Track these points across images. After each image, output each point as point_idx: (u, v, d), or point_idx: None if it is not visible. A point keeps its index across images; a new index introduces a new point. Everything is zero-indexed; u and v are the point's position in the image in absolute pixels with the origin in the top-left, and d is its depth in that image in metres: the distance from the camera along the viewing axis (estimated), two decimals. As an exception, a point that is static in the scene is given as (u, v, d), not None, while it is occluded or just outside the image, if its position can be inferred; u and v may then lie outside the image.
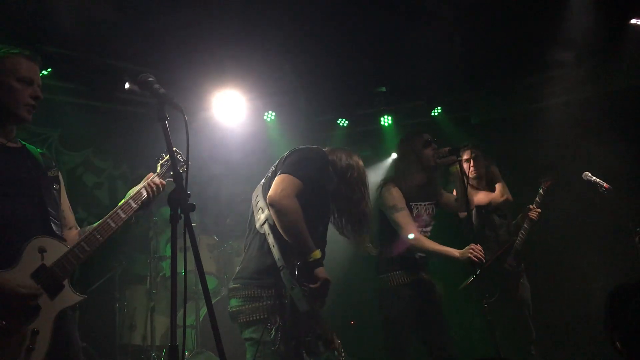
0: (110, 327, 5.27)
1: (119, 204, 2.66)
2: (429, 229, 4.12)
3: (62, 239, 2.56)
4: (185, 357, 4.76)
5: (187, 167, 2.03)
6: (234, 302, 2.83)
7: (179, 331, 2.04)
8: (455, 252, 3.83)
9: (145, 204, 2.70)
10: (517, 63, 6.29)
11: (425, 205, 4.14)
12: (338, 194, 3.03)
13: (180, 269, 2.23)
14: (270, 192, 2.72)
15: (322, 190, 2.90)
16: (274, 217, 2.71)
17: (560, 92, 6.45)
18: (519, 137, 6.27)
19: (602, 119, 5.73)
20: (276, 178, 2.76)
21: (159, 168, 2.89)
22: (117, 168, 6.55)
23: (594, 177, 4.59)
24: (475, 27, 5.72)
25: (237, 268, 2.95)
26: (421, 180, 4.12)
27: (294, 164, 2.79)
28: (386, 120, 7.44)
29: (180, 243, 2.06)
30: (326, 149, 3.13)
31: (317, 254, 2.72)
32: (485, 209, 4.75)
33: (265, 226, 2.77)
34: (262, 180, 3.04)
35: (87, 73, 5.85)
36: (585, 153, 5.56)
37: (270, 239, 2.74)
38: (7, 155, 2.51)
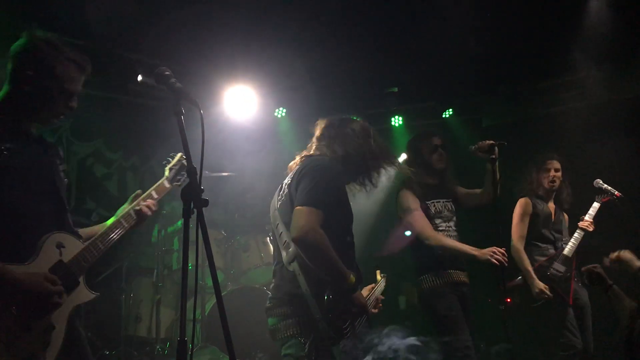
0: (116, 318, 5.28)
1: (132, 205, 2.70)
2: (452, 224, 4.13)
3: (78, 235, 2.56)
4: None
5: (201, 163, 2.00)
6: (271, 321, 2.82)
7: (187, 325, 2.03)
8: (474, 250, 3.82)
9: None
10: (531, 67, 6.26)
11: (443, 202, 4.15)
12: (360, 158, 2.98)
13: (189, 263, 2.23)
14: (292, 231, 2.65)
15: (342, 204, 2.85)
16: (302, 254, 2.66)
17: (574, 97, 6.41)
18: (531, 141, 6.23)
19: (616, 125, 5.68)
20: (295, 211, 2.68)
21: (167, 172, 2.92)
22: (127, 159, 6.56)
23: (605, 185, 4.56)
24: (489, 30, 5.69)
25: (271, 286, 2.92)
26: (433, 180, 4.20)
27: (309, 192, 2.69)
28: (397, 121, 7.43)
29: (190, 237, 2.06)
30: (324, 121, 3.11)
31: (352, 279, 2.71)
32: None
33: (295, 265, 2.70)
34: (277, 197, 2.95)
35: (100, 64, 5.84)
36: (598, 159, 5.51)
37: (302, 280, 2.66)
38: (29, 147, 2.47)
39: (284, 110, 7.11)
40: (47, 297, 2.30)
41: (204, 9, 5.31)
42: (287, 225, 2.76)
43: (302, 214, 2.64)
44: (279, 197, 2.94)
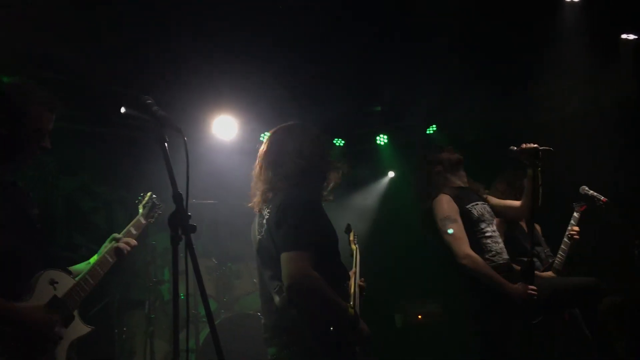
0: (110, 353, 5.21)
1: (112, 244, 2.84)
2: (494, 227, 3.81)
3: (68, 271, 2.67)
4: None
5: (187, 189, 2.01)
6: (271, 351, 2.75)
7: (181, 355, 2.02)
8: (511, 287, 3.46)
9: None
10: (510, 82, 6.35)
11: (480, 204, 3.82)
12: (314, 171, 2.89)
13: (180, 292, 2.22)
14: (285, 279, 2.56)
15: (326, 231, 2.79)
16: (298, 301, 2.59)
17: (552, 108, 6.51)
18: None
19: (596, 132, 5.77)
20: (282, 258, 2.58)
21: (141, 209, 3.15)
22: (115, 192, 6.53)
23: (591, 191, 4.60)
24: (468, 47, 5.77)
25: (262, 320, 2.85)
26: (462, 181, 3.93)
27: (294, 235, 2.58)
28: (382, 139, 7.50)
29: (180, 266, 2.05)
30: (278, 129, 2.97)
31: (352, 311, 2.67)
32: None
33: (292, 310, 2.62)
34: (257, 229, 2.84)
35: (84, 99, 5.86)
36: (581, 167, 5.57)
37: (302, 323, 2.60)
38: (10, 191, 2.56)
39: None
40: (50, 330, 2.39)
41: (187, 41, 5.35)
42: (275, 268, 2.67)
43: (292, 260, 2.56)
44: (259, 229, 2.83)
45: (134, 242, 2.91)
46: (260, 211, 2.86)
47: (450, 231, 3.61)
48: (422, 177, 3.97)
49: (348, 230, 3.45)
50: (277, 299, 2.66)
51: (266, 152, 2.92)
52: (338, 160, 3.00)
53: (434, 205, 3.75)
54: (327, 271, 2.62)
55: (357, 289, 2.90)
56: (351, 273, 3.02)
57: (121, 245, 2.82)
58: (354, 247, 3.28)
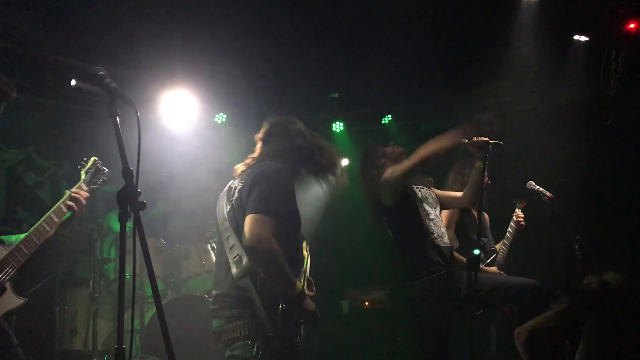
0: (50, 332, 5.06)
1: (52, 208, 2.75)
2: (438, 212, 3.90)
3: (1, 241, 2.55)
4: (129, 362, 4.62)
5: (137, 165, 1.94)
6: (216, 323, 2.78)
7: (125, 336, 1.97)
8: (455, 136, 3.57)
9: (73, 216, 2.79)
10: (465, 75, 6.46)
11: (425, 189, 3.92)
12: (302, 156, 3.02)
13: (127, 271, 2.18)
14: (246, 239, 2.62)
15: (293, 211, 2.86)
16: (254, 263, 2.64)
17: (506, 103, 6.66)
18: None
19: (547, 130, 5.93)
20: (247, 219, 2.65)
21: (83, 175, 3.02)
22: (60, 167, 6.33)
23: (537, 186, 4.73)
24: (425, 39, 5.82)
25: (214, 291, 2.85)
26: None
27: (263, 200, 2.67)
28: (338, 127, 7.51)
29: (128, 245, 2.00)
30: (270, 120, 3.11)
31: (300, 286, 2.73)
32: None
33: (247, 281, 2.65)
34: (226, 201, 2.89)
35: (32, 68, 5.63)
36: (530, 162, 5.72)
37: (254, 296, 2.63)
38: None
39: (225, 116, 7.05)
40: None
41: (139, 12, 5.21)
42: (240, 237, 2.71)
43: (256, 222, 2.62)
44: (229, 201, 2.87)
45: (85, 193, 2.82)
46: (232, 182, 2.95)
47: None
48: (368, 173, 3.99)
49: (301, 239, 3.49)
50: (234, 269, 2.69)
51: (264, 132, 3.08)
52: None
53: (380, 179, 3.78)
54: (284, 247, 2.67)
55: (305, 283, 2.96)
56: (301, 272, 3.06)
57: (69, 203, 2.74)
58: (305, 253, 3.33)
